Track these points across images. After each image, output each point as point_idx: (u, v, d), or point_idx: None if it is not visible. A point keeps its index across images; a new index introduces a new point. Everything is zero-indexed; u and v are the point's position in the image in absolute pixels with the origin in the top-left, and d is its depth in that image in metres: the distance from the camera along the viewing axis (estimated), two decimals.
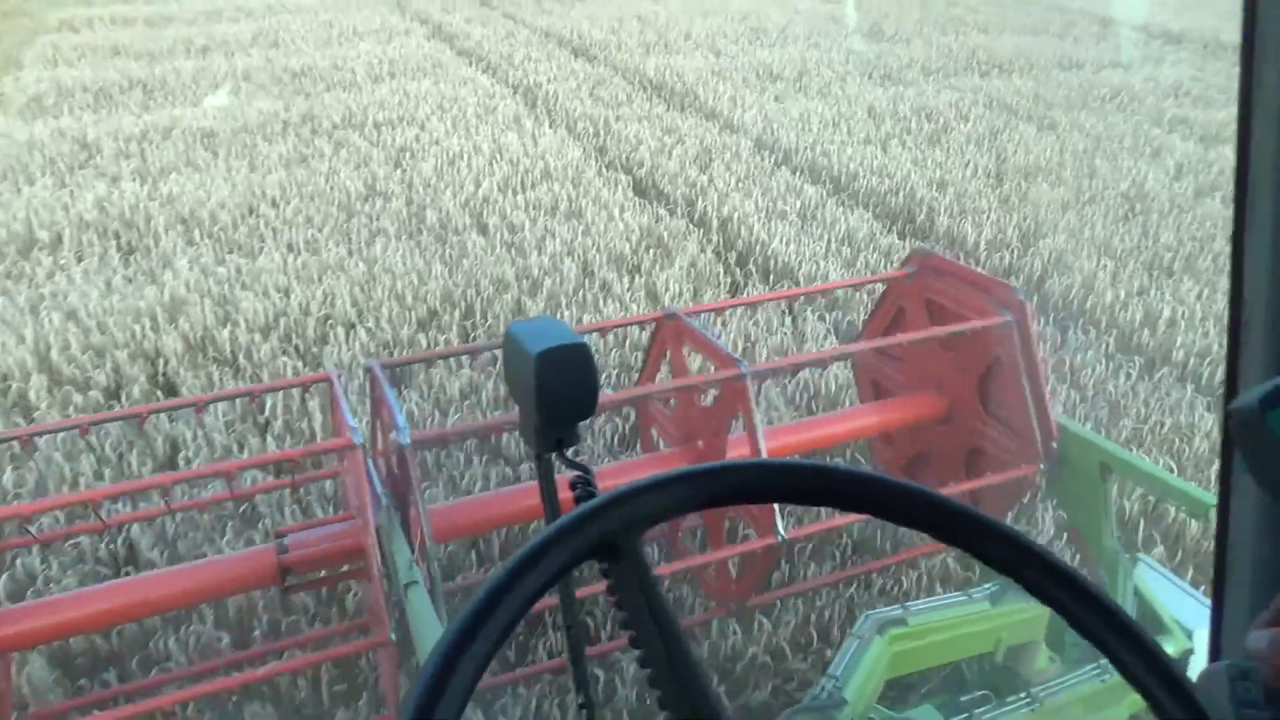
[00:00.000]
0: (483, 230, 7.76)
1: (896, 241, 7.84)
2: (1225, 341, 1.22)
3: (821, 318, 6.60)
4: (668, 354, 4.64)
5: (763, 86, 12.03)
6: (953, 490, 4.21)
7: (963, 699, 3.88)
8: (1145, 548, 5.21)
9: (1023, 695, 3.78)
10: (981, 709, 3.81)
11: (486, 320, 6.29)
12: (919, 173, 9.31)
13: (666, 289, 6.76)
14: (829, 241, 7.80)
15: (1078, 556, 4.67)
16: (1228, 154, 8.80)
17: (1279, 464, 0.69)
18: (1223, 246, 7.49)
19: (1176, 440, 5.64)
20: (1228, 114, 10.54)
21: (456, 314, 6.36)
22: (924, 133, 10.38)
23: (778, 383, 5.85)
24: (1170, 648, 4.02)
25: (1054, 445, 4.28)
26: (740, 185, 8.86)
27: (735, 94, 11.56)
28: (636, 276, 6.91)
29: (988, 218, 8.15)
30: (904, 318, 4.82)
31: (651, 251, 7.26)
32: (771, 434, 4.72)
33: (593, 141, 10.23)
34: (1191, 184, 8.98)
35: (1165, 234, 8.04)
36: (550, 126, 10.52)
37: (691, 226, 7.88)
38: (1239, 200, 1.08)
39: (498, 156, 9.49)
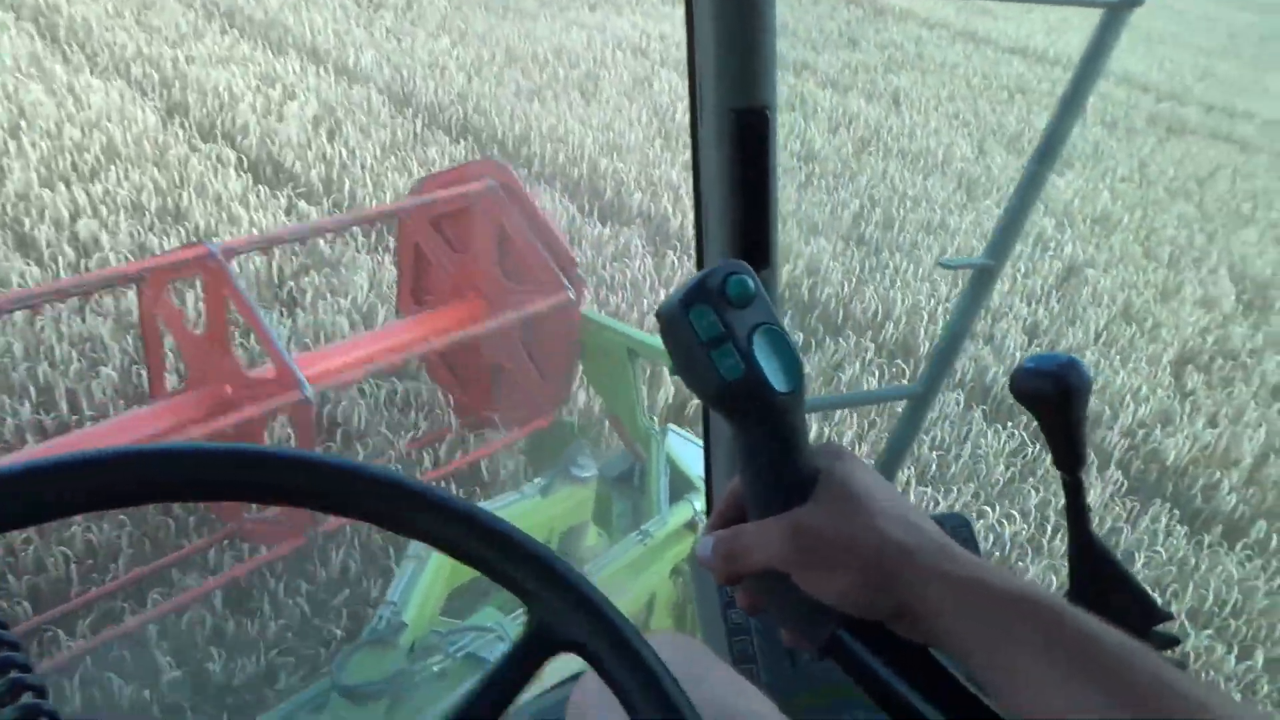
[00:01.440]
0: (25, 250, 5.67)
1: (604, 230, 7.60)
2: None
3: None
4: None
5: (368, 17, 10.37)
6: (501, 324, 4.33)
7: None
8: (691, 422, 5.81)
9: None
10: None
11: None
12: (594, 136, 8.77)
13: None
14: None
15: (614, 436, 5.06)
16: None
17: (701, 361, 0.68)
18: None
19: None
20: None
21: None
22: (573, 80, 9.69)
23: None
24: (701, 501, 4.54)
25: (580, 276, 4.55)
26: (390, 159, 7.41)
27: (339, 26, 9.70)
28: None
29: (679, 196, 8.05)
30: (424, 248, 4.75)
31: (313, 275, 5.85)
32: (309, 359, 4.38)
33: (164, 97, 7.75)
34: None
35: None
36: (96, 74, 7.80)
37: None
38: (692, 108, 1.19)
39: (24, 125, 6.67)
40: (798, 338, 6.56)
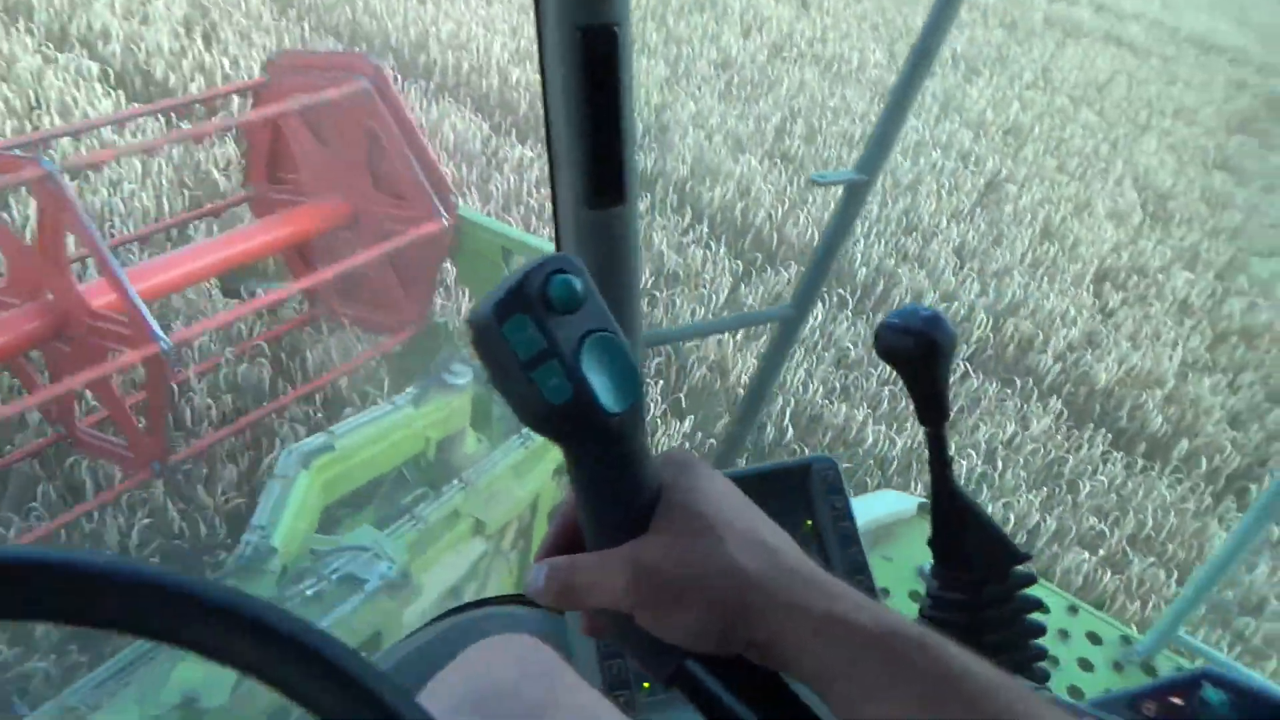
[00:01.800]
0: None
1: (525, 152, 7.13)
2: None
3: None
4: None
5: None
6: (372, 253, 4.12)
7: (402, 502, 3.96)
8: None
9: (455, 481, 3.96)
10: (419, 507, 3.93)
11: None
12: (502, 42, 8.23)
13: None
14: None
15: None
16: None
17: (520, 384, 0.55)
18: None
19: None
20: None
21: None
22: None
23: None
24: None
25: (453, 200, 4.37)
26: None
27: None
28: None
29: None
30: (283, 129, 4.42)
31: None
32: (150, 268, 4.05)
33: None
34: None
35: None
36: None
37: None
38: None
39: None
40: (736, 267, 6.39)
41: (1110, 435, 5.84)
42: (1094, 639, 2.32)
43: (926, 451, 1.09)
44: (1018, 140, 9.43)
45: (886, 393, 5.63)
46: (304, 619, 0.53)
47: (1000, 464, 5.32)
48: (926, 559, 1.15)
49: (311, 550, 3.41)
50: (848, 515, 1.23)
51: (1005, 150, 9.14)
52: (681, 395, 5.28)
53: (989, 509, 4.94)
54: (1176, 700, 1.03)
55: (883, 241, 7.03)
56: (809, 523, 1.24)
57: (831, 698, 0.56)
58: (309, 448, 3.48)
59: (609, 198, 1.13)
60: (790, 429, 5.22)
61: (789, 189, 7.37)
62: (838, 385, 5.69)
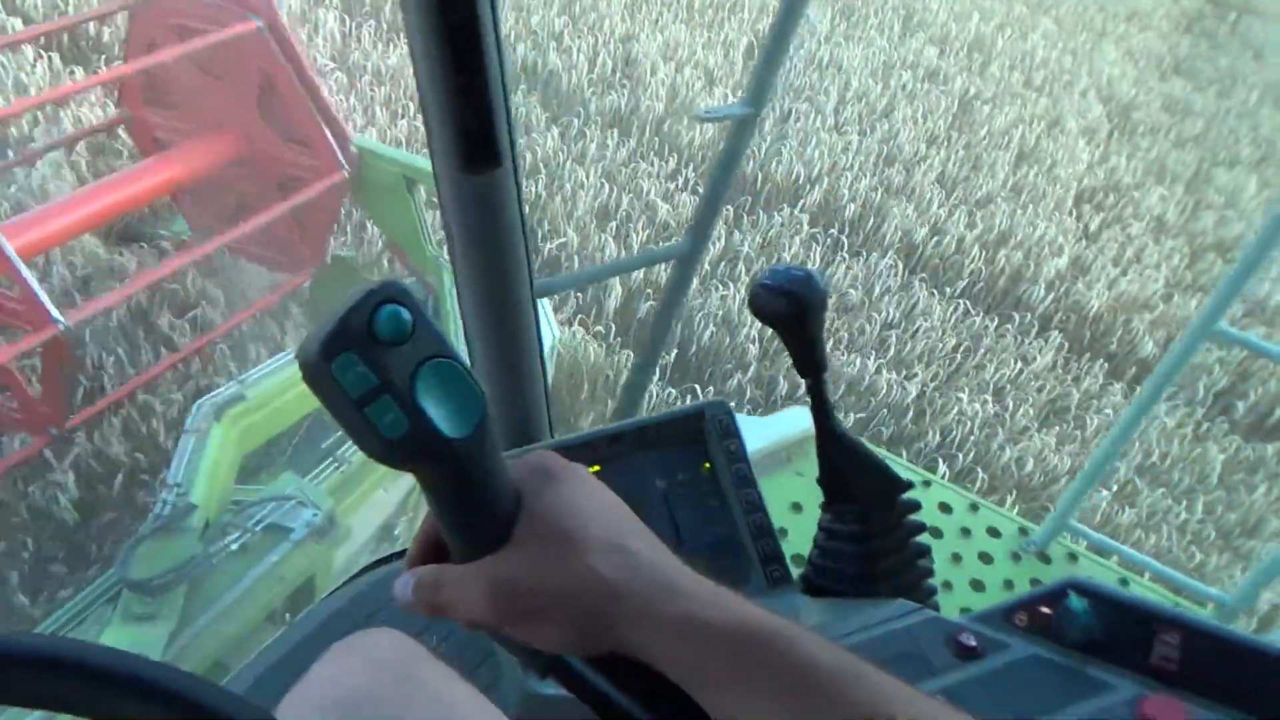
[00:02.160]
0: None
1: None
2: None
3: None
4: None
5: None
6: (269, 213, 4.00)
7: (323, 445, 3.92)
8: None
9: None
10: (341, 450, 3.90)
11: None
12: None
13: None
14: None
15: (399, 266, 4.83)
16: None
17: (355, 421, 0.54)
18: None
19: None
20: None
21: None
22: None
23: None
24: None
25: (353, 150, 4.22)
26: None
27: None
28: None
29: None
30: (160, 51, 4.15)
31: None
32: (29, 221, 3.84)
33: None
34: None
35: None
36: None
37: None
38: None
39: None
40: (726, 212, 6.16)
41: (1106, 364, 5.92)
42: (994, 533, 2.47)
43: (810, 399, 1.13)
44: (982, 55, 9.33)
45: (893, 337, 5.60)
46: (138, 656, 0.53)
47: (1010, 403, 5.35)
48: None
49: (234, 502, 3.37)
50: (742, 457, 1.27)
51: (971, 67, 9.05)
52: (691, 355, 5.19)
53: (1005, 453, 5.02)
54: (1045, 610, 1.11)
55: (867, 174, 6.95)
56: (706, 465, 1.28)
57: (695, 692, 0.59)
58: (220, 399, 3.40)
59: (484, 163, 1.11)
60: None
61: (768, 123, 7.17)
62: (845, 335, 5.64)
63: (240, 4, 3.95)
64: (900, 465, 2.58)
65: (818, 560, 1.25)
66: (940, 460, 4.94)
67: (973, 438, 5.10)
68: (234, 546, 3.00)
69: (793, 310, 1.02)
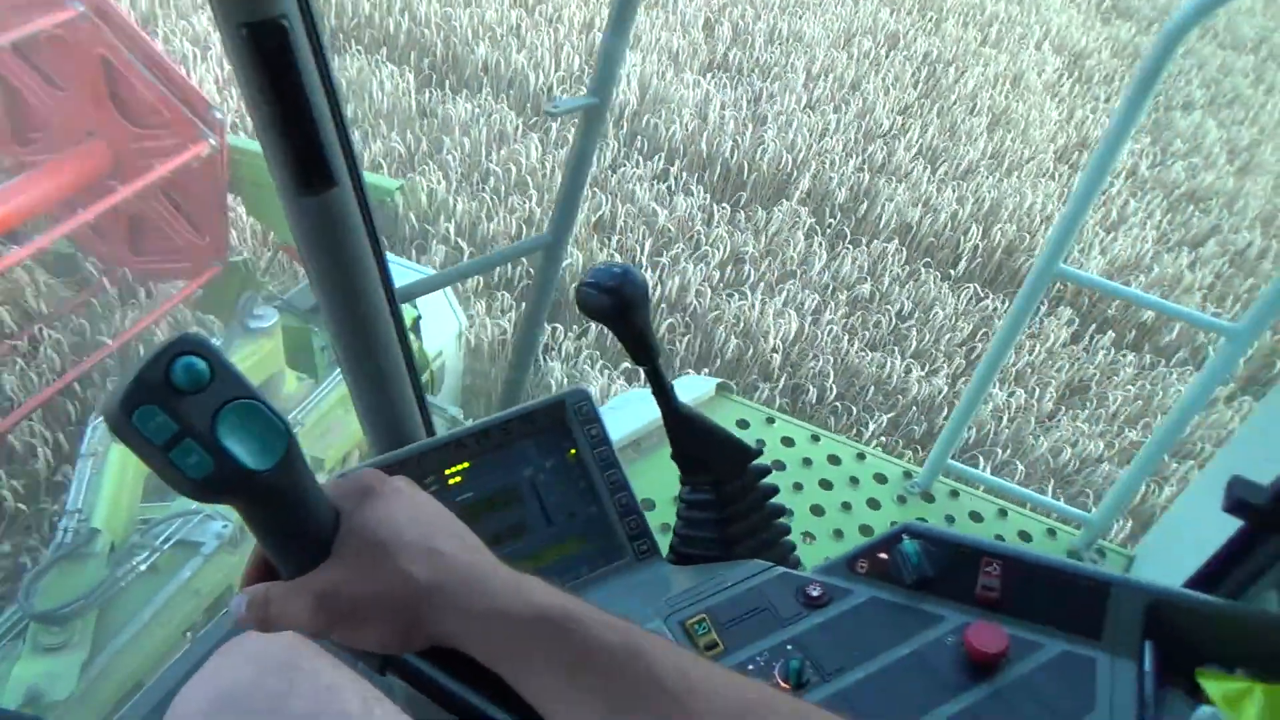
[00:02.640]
0: None
1: None
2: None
3: None
4: None
5: None
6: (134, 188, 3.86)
7: None
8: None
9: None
10: None
11: None
12: None
13: None
14: None
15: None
16: None
17: (162, 466, 0.59)
18: None
19: None
20: None
21: None
22: None
23: None
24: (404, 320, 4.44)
25: (217, 117, 4.10)
26: None
27: None
28: None
29: None
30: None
31: None
32: None
33: None
34: None
35: None
36: None
37: None
38: None
39: None
40: (725, 212, 6.11)
41: (1114, 334, 5.84)
42: (880, 479, 2.60)
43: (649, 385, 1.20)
44: (935, 12, 9.30)
45: (911, 330, 5.50)
46: None
47: (1035, 388, 5.29)
48: None
49: (143, 521, 3.32)
50: (605, 441, 1.34)
51: (926, 27, 9.02)
52: (709, 370, 5.06)
53: (1040, 443, 4.90)
54: (883, 555, 1.21)
55: (852, 155, 6.88)
56: (572, 451, 1.35)
57: (505, 676, 0.66)
58: None
59: (319, 184, 1.14)
60: (833, 388, 5.05)
61: (745, 110, 7.10)
62: (859, 329, 5.54)
63: None
64: (788, 423, 2.70)
65: (681, 531, 1.33)
66: (980, 458, 4.85)
67: (1006, 430, 5.02)
68: (142, 567, 2.97)
69: (617, 305, 1.08)
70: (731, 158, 6.66)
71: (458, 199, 5.85)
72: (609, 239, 5.86)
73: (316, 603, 0.66)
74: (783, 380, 5.18)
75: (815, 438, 2.66)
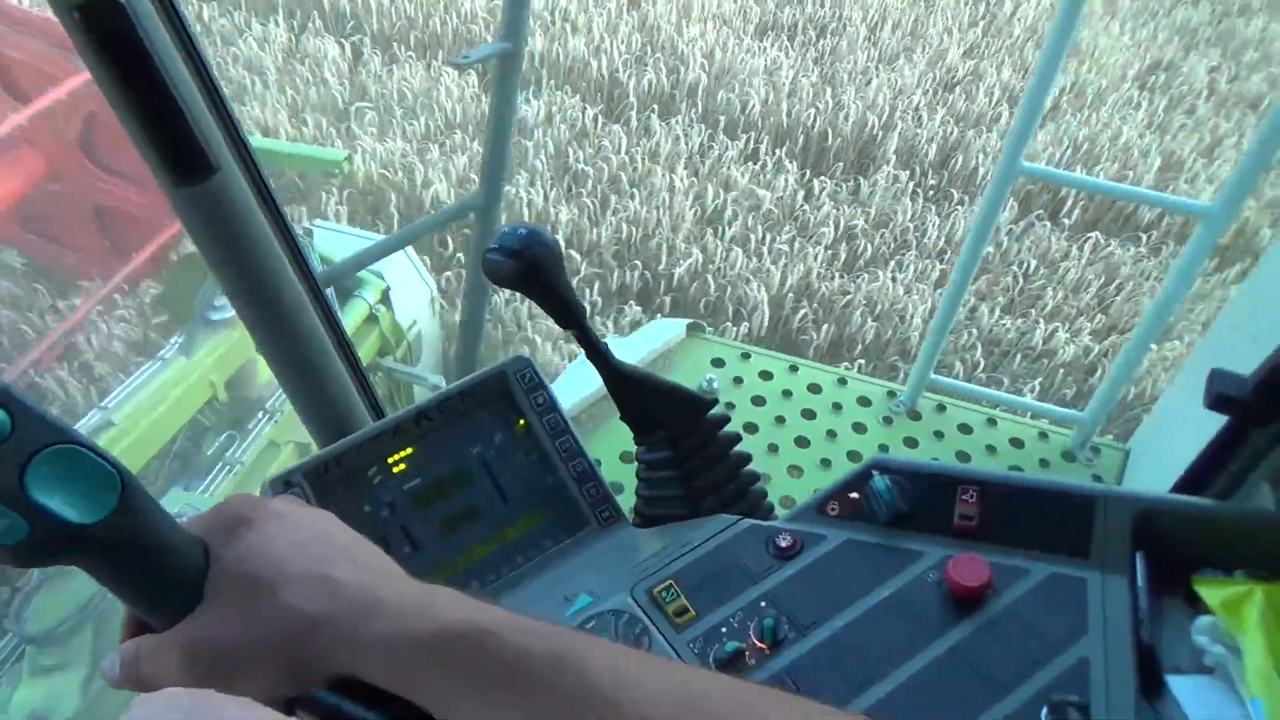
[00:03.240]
0: None
1: None
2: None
3: None
4: None
5: None
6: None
7: (208, 453, 3.81)
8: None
9: (259, 416, 3.83)
10: (232, 450, 3.80)
11: None
12: None
13: None
14: None
15: None
16: None
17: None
18: None
19: None
20: None
21: None
22: None
23: None
24: (372, 293, 4.35)
25: None
26: None
27: None
28: None
29: None
30: None
31: None
32: None
33: None
34: None
35: None
36: None
37: None
38: None
39: None
40: (825, 185, 5.74)
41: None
42: (864, 402, 2.54)
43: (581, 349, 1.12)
44: None
45: (1047, 292, 5.20)
46: None
47: (1179, 343, 5.11)
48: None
49: None
50: (553, 407, 1.26)
51: None
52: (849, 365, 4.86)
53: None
54: (854, 495, 1.15)
55: (935, 108, 6.57)
56: (521, 422, 1.27)
57: (418, 702, 0.59)
58: (86, 429, 3.26)
59: (197, 173, 1.05)
60: (980, 361, 4.83)
61: (814, 71, 6.75)
62: (988, 293, 5.27)
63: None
64: (765, 355, 2.63)
65: (643, 492, 1.26)
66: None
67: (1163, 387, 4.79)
68: None
69: (528, 269, 1.00)
70: (813, 126, 6.35)
71: (558, 207, 5.55)
72: (719, 229, 5.60)
73: (190, 656, 0.59)
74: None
75: (794, 368, 2.59)
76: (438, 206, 5.54)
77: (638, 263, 5.33)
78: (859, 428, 2.45)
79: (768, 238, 5.57)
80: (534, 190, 5.74)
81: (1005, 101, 6.87)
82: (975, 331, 5.14)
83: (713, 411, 1.23)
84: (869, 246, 5.58)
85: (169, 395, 3.45)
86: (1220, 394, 1.08)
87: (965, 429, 2.51)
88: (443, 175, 5.82)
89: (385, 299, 4.30)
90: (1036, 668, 0.99)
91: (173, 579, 0.58)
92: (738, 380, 2.54)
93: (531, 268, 0.99)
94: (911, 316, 5.10)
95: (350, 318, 3.97)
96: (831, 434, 2.42)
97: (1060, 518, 1.11)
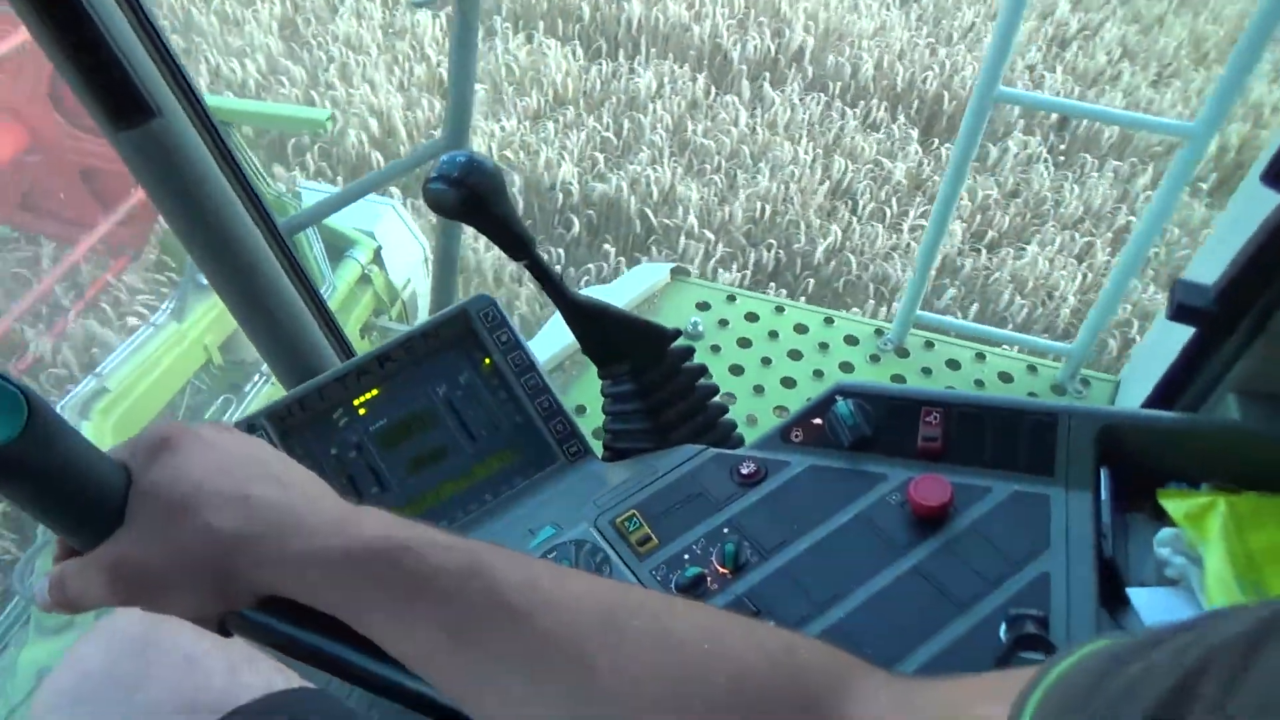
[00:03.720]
0: None
1: None
2: None
3: None
4: None
5: None
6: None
7: (205, 418, 3.82)
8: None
9: (255, 377, 3.84)
10: (228, 415, 3.81)
11: None
12: None
13: None
14: None
15: None
16: None
17: None
18: None
19: None
20: None
21: None
22: None
23: None
24: (364, 253, 4.34)
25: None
26: None
27: None
28: None
29: None
30: None
31: None
32: None
33: None
34: None
35: None
36: None
37: None
38: None
39: None
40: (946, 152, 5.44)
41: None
42: (851, 341, 2.53)
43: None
44: None
45: None
46: None
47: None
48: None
49: None
50: (517, 344, 1.25)
51: None
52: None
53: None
54: (817, 421, 1.14)
55: (1053, 67, 6.33)
56: (486, 361, 1.27)
57: (343, 617, 0.60)
58: (81, 396, 3.28)
59: (134, 115, 1.03)
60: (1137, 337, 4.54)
61: (922, 31, 6.47)
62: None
63: None
64: (751, 297, 2.61)
65: (610, 426, 1.26)
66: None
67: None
68: None
69: (471, 198, 0.98)
70: (929, 89, 6.04)
71: (685, 184, 5.33)
72: (852, 203, 5.38)
73: (113, 575, 0.60)
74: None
75: (780, 309, 2.58)
76: (562, 189, 5.42)
77: (772, 241, 5.11)
78: (846, 367, 2.44)
79: (904, 211, 5.35)
80: (659, 168, 5.53)
81: (1125, 59, 6.60)
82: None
83: (678, 343, 1.22)
84: (1004, 218, 5.35)
85: (162, 361, 3.46)
86: (1183, 304, 1.07)
87: (954, 364, 2.50)
88: (565, 155, 5.66)
89: (378, 259, 4.28)
90: (998, 584, 0.99)
91: (90, 501, 0.59)
92: (723, 323, 2.52)
93: (474, 195, 0.98)
94: (1064, 294, 4.89)
95: (343, 278, 3.95)
96: (818, 373, 2.41)
97: (1024, 436, 1.10)
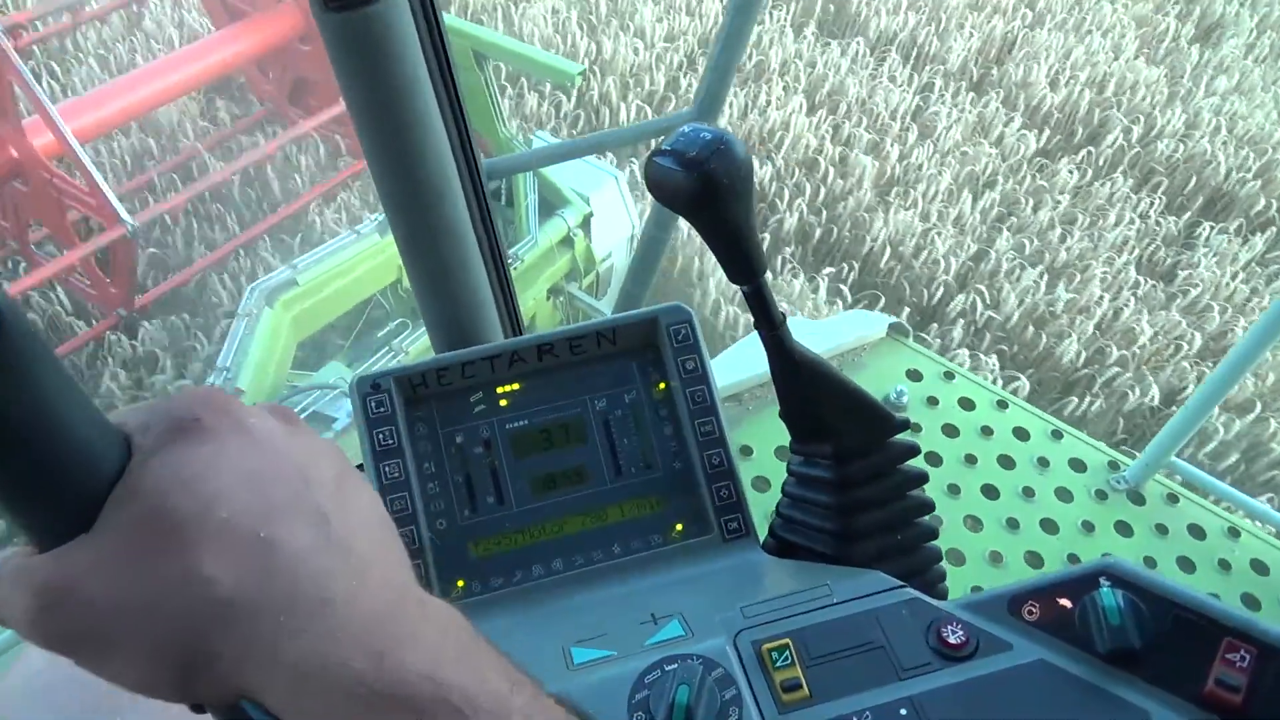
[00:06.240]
0: None
1: None
2: None
3: None
4: None
5: None
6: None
7: (379, 335, 3.84)
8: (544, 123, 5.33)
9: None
10: (400, 338, 3.81)
11: None
12: None
13: None
14: None
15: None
16: None
17: None
18: None
19: None
20: None
21: None
22: None
23: None
24: (575, 215, 4.26)
25: None
26: None
27: None
28: None
29: None
30: None
31: None
32: (87, 102, 3.83)
33: None
34: None
35: None
36: None
37: None
38: None
39: None
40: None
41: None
42: (1078, 466, 2.13)
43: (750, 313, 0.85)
44: None
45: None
46: None
47: None
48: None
49: (293, 386, 3.34)
50: (703, 378, 1.02)
51: None
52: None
53: None
54: (1066, 602, 0.84)
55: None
56: (661, 385, 1.04)
57: None
58: (272, 284, 3.35)
59: None
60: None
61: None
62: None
63: None
64: (971, 381, 2.26)
65: (785, 511, 1.00)
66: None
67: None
68: None
69: (704, 190, 0.74)
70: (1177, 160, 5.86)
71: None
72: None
73: (40, 602, 0.40)
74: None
75: (1002, 404, 2.21)
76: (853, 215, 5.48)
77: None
78: (1063, 494, 2.06)
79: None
80: (943, 228, 5.48)
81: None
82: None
83: (900, 438, 0.95)
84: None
85: (356, 269, 3.48)
86: None
87: (1197, 532, 2.05)
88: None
89: (586, 225, 4.19)
90: None
91: (55, 480, 0.39)
92: (932, 401, 2.19)
93: (708, 186, 0.74)
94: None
95: (547, 235, 3.87)
96: (1028, 492, 2.04)
97: None
